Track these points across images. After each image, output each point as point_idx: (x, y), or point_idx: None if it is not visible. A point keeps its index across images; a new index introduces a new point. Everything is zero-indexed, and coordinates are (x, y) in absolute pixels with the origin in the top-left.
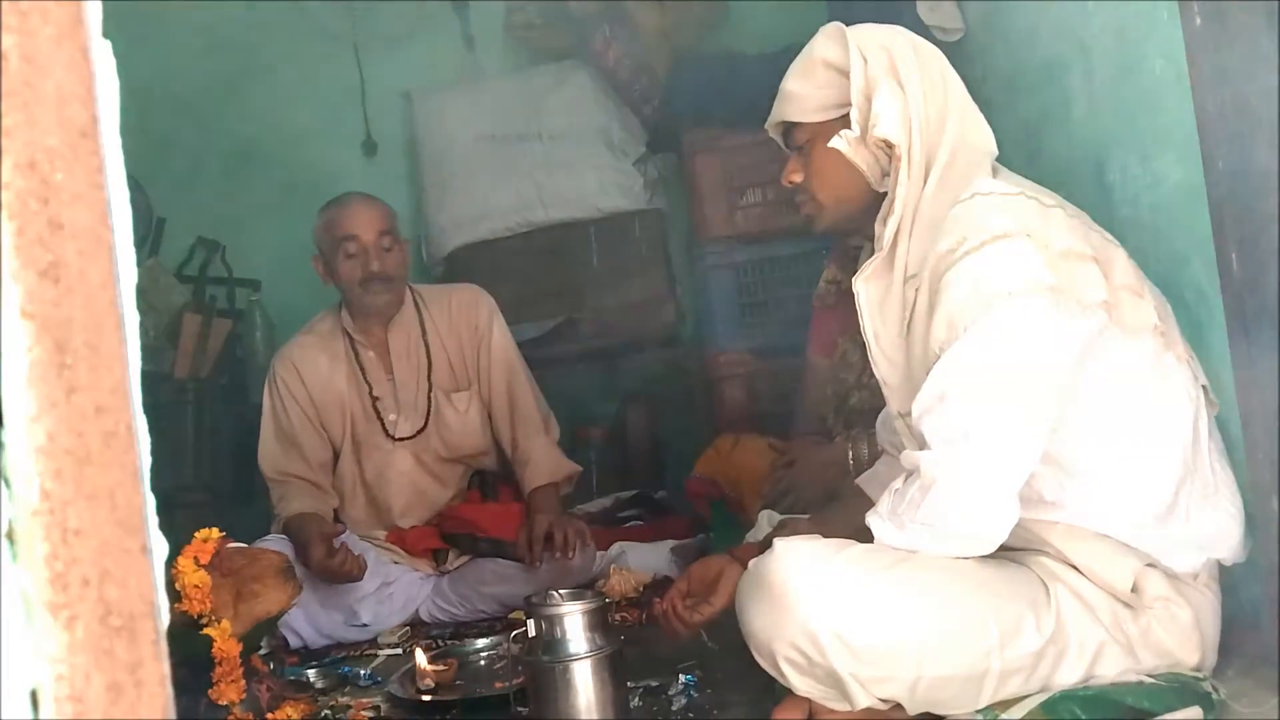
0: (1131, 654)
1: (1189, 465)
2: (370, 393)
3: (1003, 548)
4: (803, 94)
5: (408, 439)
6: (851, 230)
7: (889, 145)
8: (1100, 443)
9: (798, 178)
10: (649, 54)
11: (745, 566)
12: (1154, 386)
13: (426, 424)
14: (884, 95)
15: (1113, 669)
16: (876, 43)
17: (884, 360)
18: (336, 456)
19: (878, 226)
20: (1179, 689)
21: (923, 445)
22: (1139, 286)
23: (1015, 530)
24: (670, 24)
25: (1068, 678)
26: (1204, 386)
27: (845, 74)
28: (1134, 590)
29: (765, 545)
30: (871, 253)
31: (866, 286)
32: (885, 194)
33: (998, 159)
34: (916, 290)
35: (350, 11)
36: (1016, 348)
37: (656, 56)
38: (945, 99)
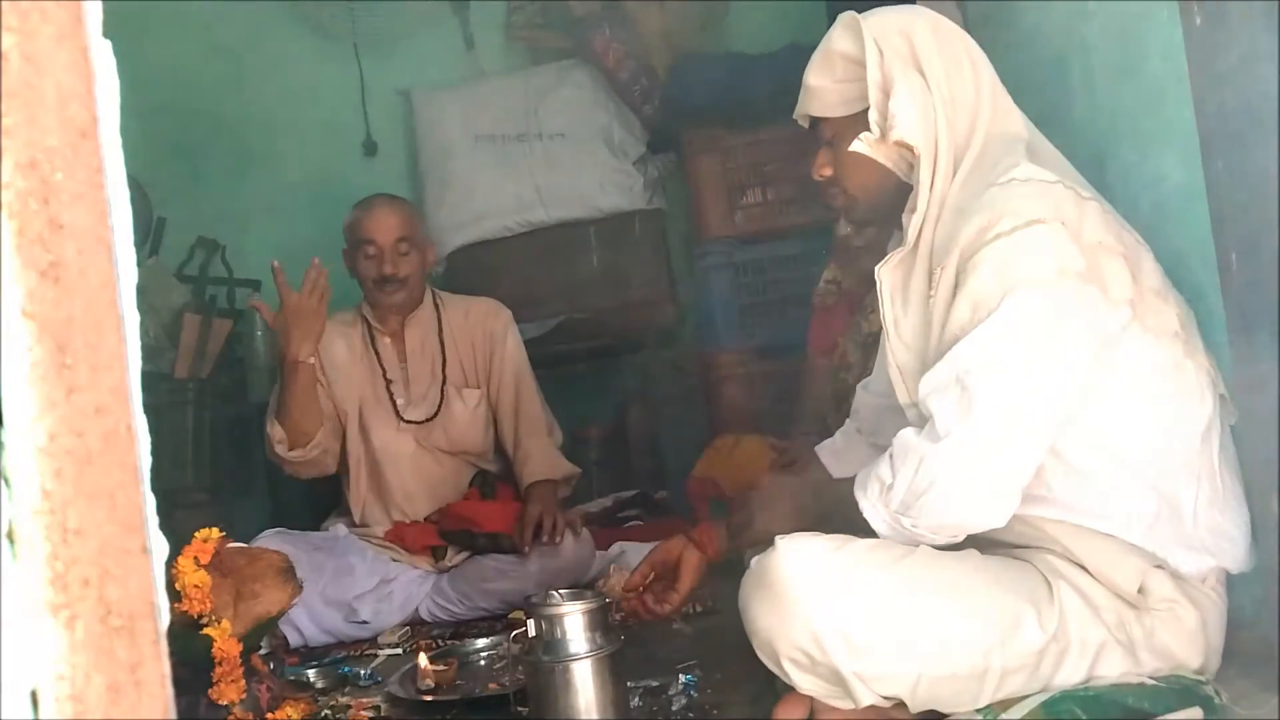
0: (1133, 655)
1: (1197, 472)
2: (384, 375)
3: (1008, 545)
4: (823, 89)
5: (415, 423)
6: (884, 219)
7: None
8: (1109, 442)
9: (828, 171)
10: (649, 54)
11: (702, 549)
12: (1169, 391)
13: (438, 413)
14: (901, 92)
15: (1113, 670)
16: (894, 29)
17: (901, 347)
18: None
19: (905, 218)
20: (1180, 691)
21: (923, 424)
22: (1164, 290)
23: (1021, 527)
24: (670, 24)
25: (1069, 677)
26: (1222, 396)
27: (864, 65)
28: (1140, 591)
29: (736, 529)
30: (900, 242)
31: (890, 275)
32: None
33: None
34: (942, 270)
35: (350, 11)
36: (1039, 337)
37: (656, 56)
38: (973, 82)
